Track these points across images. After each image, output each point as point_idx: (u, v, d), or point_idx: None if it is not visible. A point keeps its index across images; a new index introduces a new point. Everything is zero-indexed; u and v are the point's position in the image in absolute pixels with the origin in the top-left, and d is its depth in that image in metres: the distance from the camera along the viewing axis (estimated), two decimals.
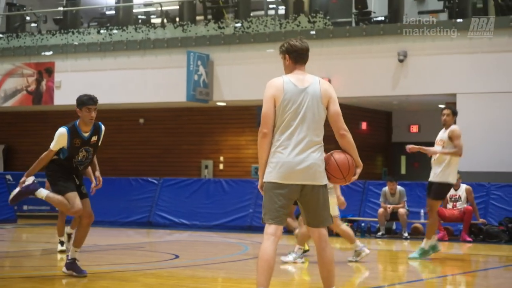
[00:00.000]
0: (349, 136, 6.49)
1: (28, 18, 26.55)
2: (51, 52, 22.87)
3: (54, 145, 8.88)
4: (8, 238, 15.97)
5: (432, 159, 11.79)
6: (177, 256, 11.98)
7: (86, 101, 8.91)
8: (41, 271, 9.97)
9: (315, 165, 6.33)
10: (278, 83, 6.53)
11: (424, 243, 11.79)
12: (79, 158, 8.96)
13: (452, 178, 11.72)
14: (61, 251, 11.64)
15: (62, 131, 8.84)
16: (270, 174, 6.34)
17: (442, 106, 20.53)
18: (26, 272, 9.83)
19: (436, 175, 11.67)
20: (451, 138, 11.64)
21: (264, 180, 6.38)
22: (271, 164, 6.35)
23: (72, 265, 9.03)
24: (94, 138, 9.01)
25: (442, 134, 11.82)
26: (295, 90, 6.50)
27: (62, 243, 11.74)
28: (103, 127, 9.11)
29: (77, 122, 8.93)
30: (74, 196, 8.79)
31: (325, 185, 6.41)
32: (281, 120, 6.38)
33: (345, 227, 11.29)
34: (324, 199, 6.42)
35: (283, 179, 6.30)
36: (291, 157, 6.29)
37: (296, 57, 6.65)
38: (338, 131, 6.47)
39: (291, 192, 6.33)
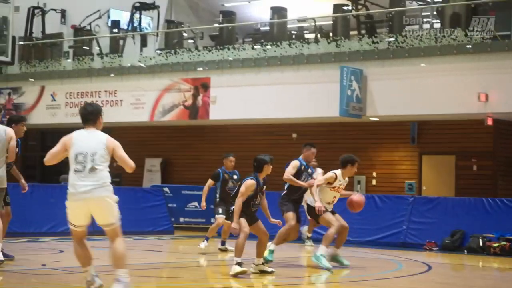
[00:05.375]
0: None
1: (185, 34, 27.29)
2: (207, 68, 23.39)
3: None
4: (166, 249, 16.41)
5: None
6: (330, 272, 11.95)
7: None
8: (198, 282, 10.18)
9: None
10: None
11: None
12: None
13: None
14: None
15: None
16: None
17: None
18: (183, 283, 10.05)
19: None
20: None
21: None
22: None
23: None
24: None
25: None
26: None
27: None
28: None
29: None
30: None
31: None
32: None
33: None
34: None
35: None
36: None
37: None
38: None
39: None
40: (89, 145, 7.85)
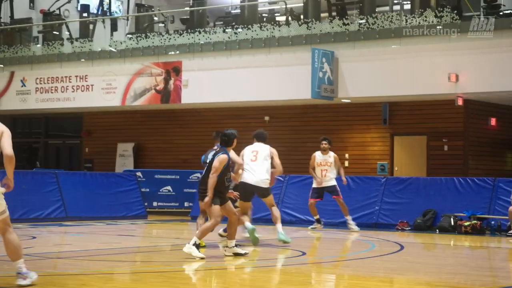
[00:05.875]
0: None
1: (156, 18, 27.15)
2: (178, 52, 23.32)
3: None
4: (139, 234, 16.39)
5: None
6: (304, 253, 12.02)
7: None
8: (172, 266, 10.19)
9: None
10: None
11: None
12: None
13: None
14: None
15: None
16: None
17: None
18: (157, 267, 10.07)
19: None
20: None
21: None
22: None
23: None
24: None
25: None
26: None
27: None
28: None
29: None
30: None
31: None
32: None
33: None
34: None
35: None
36: None
37: None
38: None
39: None
40: None
